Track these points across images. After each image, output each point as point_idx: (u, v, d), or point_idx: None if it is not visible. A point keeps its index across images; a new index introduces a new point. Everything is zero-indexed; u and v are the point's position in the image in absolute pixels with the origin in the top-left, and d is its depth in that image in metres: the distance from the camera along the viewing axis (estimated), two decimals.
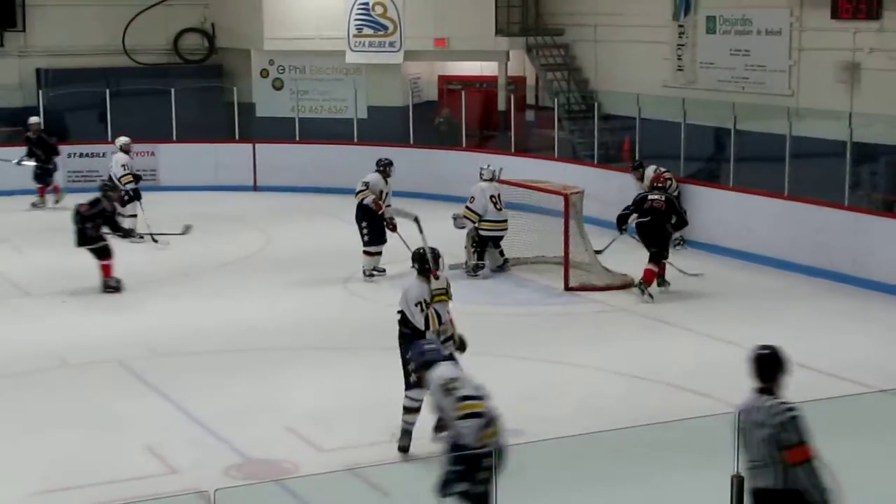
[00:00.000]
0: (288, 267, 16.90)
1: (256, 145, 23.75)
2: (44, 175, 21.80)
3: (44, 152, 21.74)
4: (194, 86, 24.53)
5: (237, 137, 24.06)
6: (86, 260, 15.46)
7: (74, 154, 23.38)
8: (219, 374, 12.15)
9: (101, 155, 23.03)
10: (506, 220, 16.50)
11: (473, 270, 16.38)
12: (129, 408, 11.12)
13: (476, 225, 16.31)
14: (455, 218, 16.53)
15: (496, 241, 16.53)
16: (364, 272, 15.98)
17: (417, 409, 9.75)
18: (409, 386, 9.87)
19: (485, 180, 16.42)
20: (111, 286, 15.35)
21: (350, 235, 16.40)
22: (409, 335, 9.99)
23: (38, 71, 24.69)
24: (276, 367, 12.42)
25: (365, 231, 16.01)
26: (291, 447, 10.11)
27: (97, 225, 15.37)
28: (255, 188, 23.45)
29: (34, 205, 21.53)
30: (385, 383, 10.71)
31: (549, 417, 10.59)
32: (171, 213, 19.38)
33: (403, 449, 9.85)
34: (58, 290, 15.54)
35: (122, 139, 19.55)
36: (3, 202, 21.82)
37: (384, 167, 16.31)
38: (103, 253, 15.41)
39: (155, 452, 9.97)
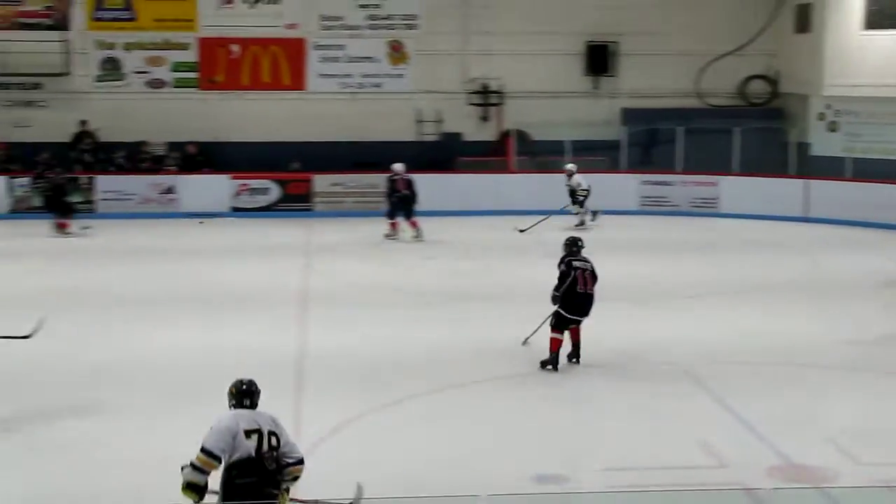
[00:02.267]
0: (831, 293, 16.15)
1: (810, 181, 22.99)
2: None
3: None
4: (756, 126, 24.16)
5: (791, 173, 23.45)
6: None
7: (649, 182, 23.86)
8: (768, 383, 11.75)
9: (671, 184, 23.41)
10: None
11: None
12: (684, 405, 11.05)
13: None
14: None
15: None
16: None
17: None
18: None
19: None
20: None
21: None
22: None
23: (622, 110, 25.35)
24: (824, 381, 11.88)
25: None
26: (830, 457, 9.59)
27: None
28: (807, 219, 22.66)
29: None
30: None
31: None
32: (730, 238, 19.14)
33: None
34: (626, 298, 15.77)
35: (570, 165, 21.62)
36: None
37: None
38: None
39: (705, 447, 9.84)
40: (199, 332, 13.51)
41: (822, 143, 24.12)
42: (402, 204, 20.33)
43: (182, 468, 7.17)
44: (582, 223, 21.21)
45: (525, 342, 12.74)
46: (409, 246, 19.80)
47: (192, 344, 12.87)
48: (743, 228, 21.35)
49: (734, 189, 23.32)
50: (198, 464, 7.05)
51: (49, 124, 23.76)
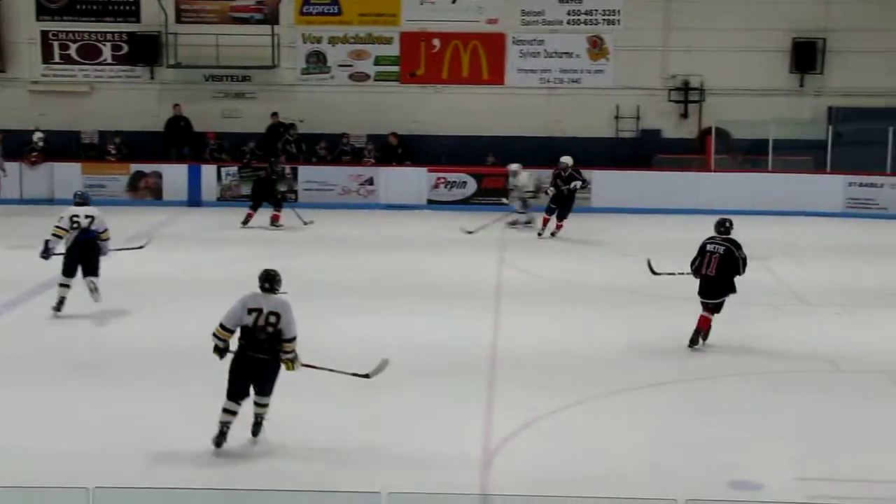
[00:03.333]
0: None
1: None
2: None
3: None
4: None
5: None
6: None
7: (855, 184, 23.01)
8: None
9: (879, 186, 22.50)
10: None
11: None
12: (889, 415, 10.63)
13: None
14: None
15: None
16: None
17: None
18: None
19: None
20: None
21: None
22: None
23: (829, 109, 24.51)
24: None
25: None
26: None
27: None
28: None
29: None
30: None
31: None
32: None
33: None
34: (832, 302, 15.26)
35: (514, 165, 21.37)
36: None
37: None
38: None
39: None
40: (396, 322, 13.75)
41: None
42: (568, 201, 20.18)
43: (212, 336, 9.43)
44: (529, 222, 20.96)
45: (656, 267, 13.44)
46: (604, 242, 19.69)
47: (389, 334, 13.06)
48: None
49: None
50: (217, 333, 9.41)
51: (256, 116, 24.59)
